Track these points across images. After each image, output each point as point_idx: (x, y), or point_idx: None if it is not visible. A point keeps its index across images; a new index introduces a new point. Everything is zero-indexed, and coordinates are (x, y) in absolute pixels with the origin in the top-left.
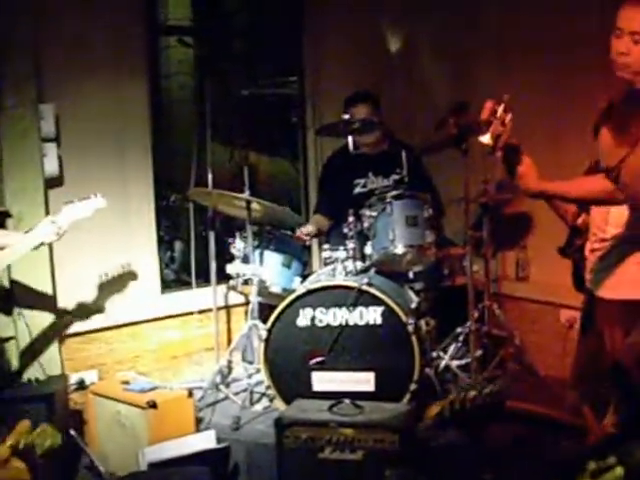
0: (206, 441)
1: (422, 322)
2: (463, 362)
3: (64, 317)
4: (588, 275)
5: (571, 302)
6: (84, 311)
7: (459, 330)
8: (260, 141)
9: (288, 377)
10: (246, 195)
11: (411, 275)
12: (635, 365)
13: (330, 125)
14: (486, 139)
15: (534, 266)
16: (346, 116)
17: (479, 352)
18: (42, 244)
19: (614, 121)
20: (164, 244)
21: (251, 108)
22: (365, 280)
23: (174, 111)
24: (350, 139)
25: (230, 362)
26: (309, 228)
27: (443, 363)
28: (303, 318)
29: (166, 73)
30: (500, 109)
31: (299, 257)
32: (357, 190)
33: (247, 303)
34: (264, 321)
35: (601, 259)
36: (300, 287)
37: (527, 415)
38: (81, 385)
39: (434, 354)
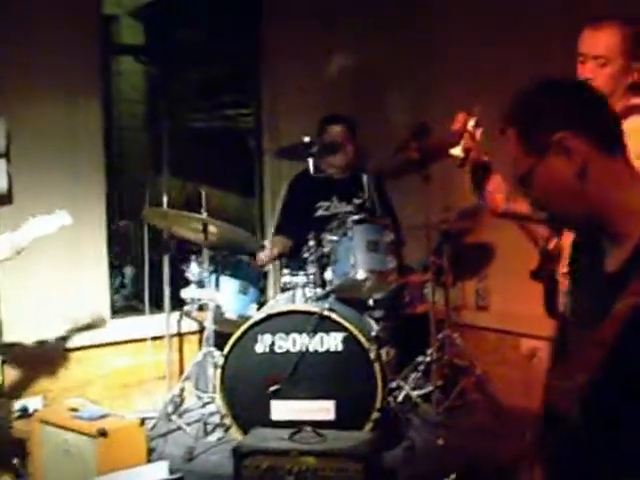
0: (158, 472)
1: (383, 351)
2: (423, 392)
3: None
4: (562, 299)
5: (532, 331)
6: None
7: (419, 359)
8: (212, 174)
9: (245, 405)
10: (204, 216)
11: (371, 302)
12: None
13: (291, 147)
14: (457, 151)
15: (494, 295)
16: (307, 139)
17: (440, 382)
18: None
19: None
20: (114, 270)
21: (203, 138)
22: (326, 305)
23: (126, 137)
24: (311, 162)
25: (182, 391)
26: (273, 251)
27: (403, 393)
28: (262, 344)
29: (118, 98)
30: (471, 122)
31: (256, 283)
32: (320, 213)
33: (201, 330)
34: (219, 349)
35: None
36: (259, 312)
37: None
38: (25, 412)
39: (394, 384)
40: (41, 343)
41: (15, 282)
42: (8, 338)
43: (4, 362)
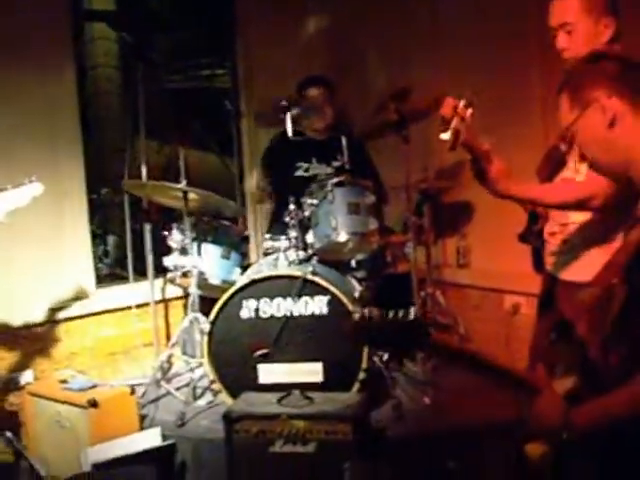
0: (151, 439)
1: (366, 311)
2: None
3: None
4: (548, 258)
5: (514, 288)
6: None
7: None
8: (189, 134)
9: (233, 370)
10: (183, 185)
11: (353, 264)
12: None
13: (268, 111)
14: (446, 136)
15: (475, 253)
16: (284, 102)
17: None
18: None
19: (570, 85)
20: (96, 238)
21: (180, 100)
22: (309, 269)
23: (100, 104)
24: (289, 125)
25: (170, 357)
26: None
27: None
28: (246, 310)
29: (91, 65)
30: (461, 104)
31: (238, 248)
32: (299, 173)
33: (185, 296)
34: (204, 314)
35: (564, 242)
36: (242, 278)
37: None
38: (15, 385)
39: None
40: (28, 319)
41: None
42: None
43: None
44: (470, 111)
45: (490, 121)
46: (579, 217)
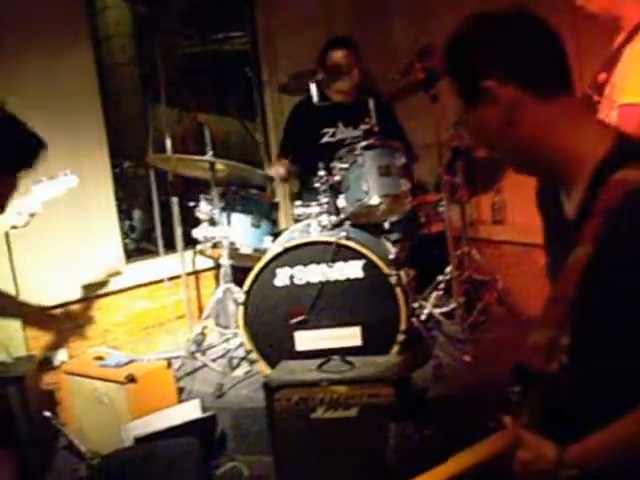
0: (191, 411)
1: (402, 272)
2: (446, 309)
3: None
4: None
5: None
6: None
7: (440, 277)
8: (208, 101)
9: (270, 339)
10: (210, 156)
11: (387, 226)
12: None
13: (293, 77)
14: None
15: (510, 208)
16: (308, 67)
17: (462, 298)
18: (14, 227)
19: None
20: (121, 213)
21: (197, 66)
22: (343, 234)
23: (115, 75)
24: (314, 90)
25: (204, 328)
26: (279, 170)
27: (426, 312)
28: (281, 278)
29: (104, 36)
30: None
31: (267, 216)
32: (325, 139)
33: (215, 267)
34: (236, 284)
35: None
36: (275, 246)
37: None
38: (50, 365)
39: (416, 304)
40: (59, 299)
41: (27, 241)
42: (26, 297)
43: (25, 323)
44: None
45: None
46: None
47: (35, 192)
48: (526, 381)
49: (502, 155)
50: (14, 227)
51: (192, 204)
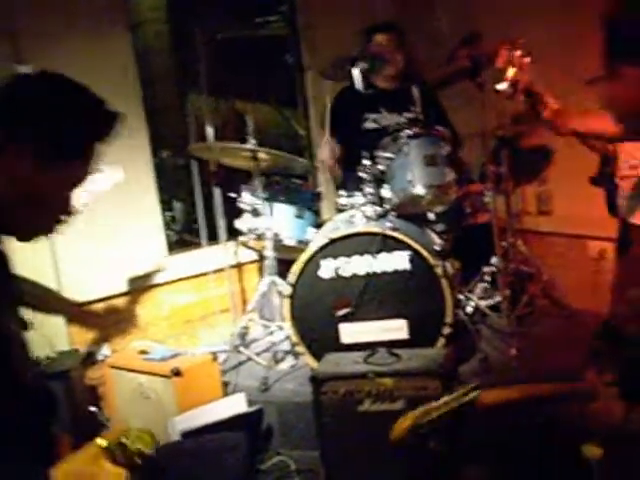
0: (237, 405)
1: (447, 264)
2: (491, 302)
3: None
4: (621, 202)
5: (598, 233)
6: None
7: (485, 269)
8: (247, 88)
9: (315, 332)
10: (252, 145)
11: (431, 216)
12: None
13: (334, 65)
14: (503, 86)
15: (556, 199)
16: (351, 53)
17: (507, 291)
18: None
19: None
20: (162, 205)
21: (235, 53)
22: (388, 224)
23: (150, 62)
24: (357, 76)
25: (248, 322)
26: (330, 151)
27: (472, 304)
28: (326, 269)
29: (138, 22)
30: (517, 54)
31: (310, 206)
32: (368, 125)
33: (258, 259)
34: (280, 276)
35: (635, 186)
36: (319, 237)
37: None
38: (93, 359)
39: (461, 296)
40: (101, 293)
41: (68, 236)
42: (68, 293)
43: (68, 318)
44: (528, 59)
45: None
46: None
47: (84, 186)
48: (615, 340)
49: None
50: None
51: (233, 195)
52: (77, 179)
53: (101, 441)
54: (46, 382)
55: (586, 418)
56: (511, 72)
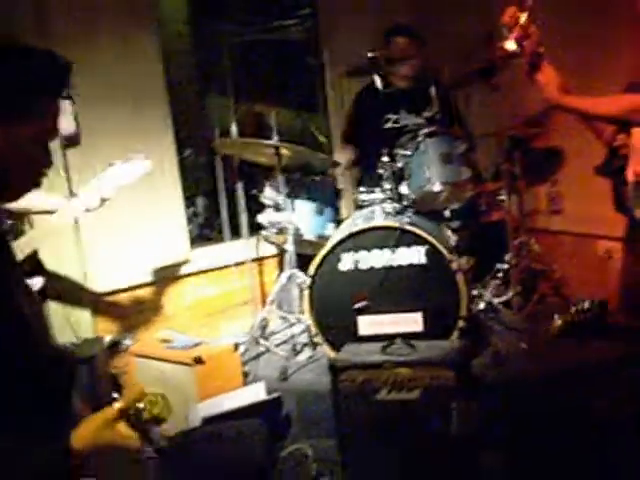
0: (257, 393)
1: (462, 260)
2: (504, 298)
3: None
4: (631, 199)
5: (607, 233)
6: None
7: (498, 266)
8: (267, 91)
9: (334, 323)
10: (275, 141)
11: (447, 213)
12: None
13: (357, 65)
14: (510, 45)
15: (568, 199)
16: (371, 54)
17: (519, 287)
18: (87, 211)
19: None
20: (185, 200)
21: (255, 55)
22: (406, 220)
23: (172, 63)
24: (377, 76)
25: (268, 314)
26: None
27: (485, 300)
28: (346, 262)
29: (163, 21)
30: (523, 16)
31: (331, 203)
32: (389, 125)
33: (279, 254)
34: (300, 270)
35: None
36: (339, 231)
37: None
38: (116, 348)
39: (475, 292)
40: (125, 284)
41: (94, 226)
42: (93, 284)
43: (93, 308)
44: (533, 27)
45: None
46: None
47: (109, 175)
48: None
49: None
50: (87, 210)
51: (254, 191)
52: (45, 134)
53: (118, 405)
54: (67, 353)
55: None
56: (516, 31)
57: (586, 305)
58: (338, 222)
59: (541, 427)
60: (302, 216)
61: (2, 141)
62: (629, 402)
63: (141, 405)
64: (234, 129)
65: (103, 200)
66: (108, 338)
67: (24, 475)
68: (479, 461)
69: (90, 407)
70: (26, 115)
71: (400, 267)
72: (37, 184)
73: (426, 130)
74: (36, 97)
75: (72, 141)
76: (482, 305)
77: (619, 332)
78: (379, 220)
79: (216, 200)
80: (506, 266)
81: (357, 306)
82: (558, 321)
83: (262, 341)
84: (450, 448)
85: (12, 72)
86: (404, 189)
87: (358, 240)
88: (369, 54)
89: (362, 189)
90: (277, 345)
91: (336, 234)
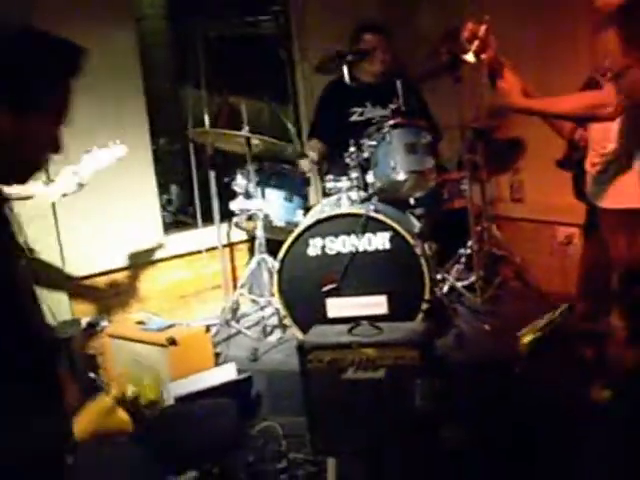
0: (228, 373)
1: (426, 246)
2: (467, 282)
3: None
4: (589, 188)
5: (567, 220)
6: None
7: (461, 252)
8: (239, 84)
9: (302, 306)
10: (245, 131)
11: (412, 201)
12: None
13: (326, 59)
14: (469, 57)
15: (528, 187)
16: (340, 49)
17: (481, 272)
18: (64, 195)
19: (627, 27)
20: (159, 188)
21: (228, 50)
22: (372, 207)
23: (148, 56)
24: (346, 70)
25: (239, 297)
26: (313, 156)
27: (448, 284)
28: (313, 248)
29: (138, 17)
30: (482, 29)
31: (299, 191)
32: (354, 118)
33: (249, 240)
34: (269, 255)
35: (600, 172)
36: (308, 218)
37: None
38: (93, 329)
39: (439, 276)
40: (101, 268)
41: (70, 212)
42: (70, 267)
43: (69, 290)
44: (492, 37)
45: (537, 55)
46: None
47: (86, 161)
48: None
49: None
50: (64, 195)
51: (226, 180)
52: (58, 119)
53: (112, 393)
54: (51, 331)
55: (598, 361)
56: (475, 45)
57: (553, 315)
58: (306, 209)
59: (500, 403)
60: (272, 203)
61: (15, 126)
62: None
63: (133, 391)
64: (207, 120)
65: (81, 185)
66: (85, 320)
67: (24, 456)
68: (441, 434)
69: (78, 388)
70: (40, 101)
71: (366, 252)
72: (43, 169)
73: (391, 122)
74: (50, 82)
75: None
76: (445, 289)
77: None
78: (346, 207)
79: (190, 188)
80: (469, 251)
81: (325, 289)
82: (526, 337)
83: (233, 323)
84: (414, 423)
85: (26, 58)
86: (370, 178)
87: (325, 226)
88: (338, 50)
89: (329, 177)
90: (248, 327)
91: (304, 220)
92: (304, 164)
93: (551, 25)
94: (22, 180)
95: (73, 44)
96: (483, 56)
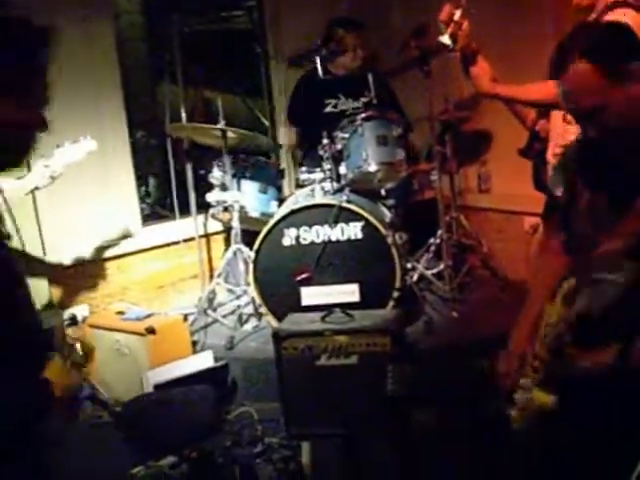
0: (205, 361)
1: (396, 236)
2: (436, 270)
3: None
4: (550, 178)
5: (532, 210)
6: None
7: (430, 241)
8: (215, 78)
9: (277, 295)
10: (221, 125)
11: (383, 192)
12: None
13: (301, 53)
14: (445, 39)
15: (495, 178)
16: (314, 43)
17: (450, 261)
18: (37, 188)
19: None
20: (137, 180)
21: (204, 45)
22: (344, 198)
23: (125, 51)
24: (319, 64)
25: (215, 287)
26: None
27: (418, 272)
28: (288, 238)
29: (115, 13)
30: (458, 13)
31: (274, 182)
32: (328, 109)
33: (225, 231)
34: (245, 245)
35: (560, 161)
36: (282, 209)
37: None
38: (73, 320)
39: (409, 265)
40: (81, 259)
41: (51, 204)
42: (51, 258)
43: (50, 281)
44: (467, 22)
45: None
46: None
47: (57, 155)
48: None
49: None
50: (36, 188)
51: (203, 172)
52: (35, 100)
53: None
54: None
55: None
56: (451, 27)
57: None
58: (281, 200)
59: (469, 388)
60: (247, 195)
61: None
62: None
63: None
64: (184, 114)
65: (53, 178)
66: (65, 310)
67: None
68: (412, 418)
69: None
70: (12, 84)
71: (339, 242)
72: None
73: (363, 114)
74: (20, 66)
75: None
76: (415, 277)
77: None
78: (319, 198)
79: (167, 180)
80: (438, 241)
81: (299, 278)
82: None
83: (210, 312)
84: (386, 407)
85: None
86: (342, 169)
87: (299, 217)
88: (312, 45)
89: (303, 169)
90: (224, 316)
91: (279, 211)
92: (283, 132)
93: (519, 18)
94: (17, 163)
95: (36, 26)
96: (458, 39)
